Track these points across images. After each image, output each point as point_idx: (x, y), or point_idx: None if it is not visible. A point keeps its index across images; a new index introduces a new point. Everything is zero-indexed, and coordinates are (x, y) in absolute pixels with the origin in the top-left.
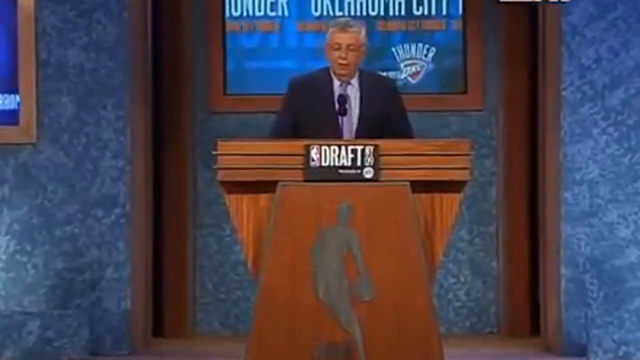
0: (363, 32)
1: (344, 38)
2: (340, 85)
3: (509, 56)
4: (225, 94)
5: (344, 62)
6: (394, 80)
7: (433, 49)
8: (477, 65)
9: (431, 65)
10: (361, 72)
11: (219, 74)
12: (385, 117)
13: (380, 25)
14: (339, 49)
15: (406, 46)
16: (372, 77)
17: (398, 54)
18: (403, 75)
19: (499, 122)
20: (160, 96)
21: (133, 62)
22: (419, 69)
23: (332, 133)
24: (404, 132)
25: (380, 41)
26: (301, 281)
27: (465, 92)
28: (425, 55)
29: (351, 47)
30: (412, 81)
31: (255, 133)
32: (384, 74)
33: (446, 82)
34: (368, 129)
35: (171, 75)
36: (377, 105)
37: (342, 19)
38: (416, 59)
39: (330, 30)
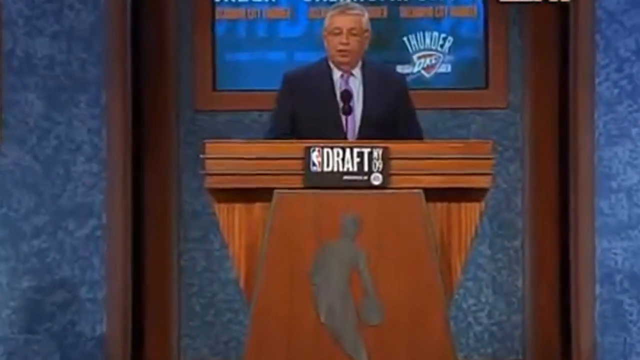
0: (366, 16)
1: (344, 22)
2: (342, 76)
3: (536, 47)
4: (214, 89)
5: (346, 47)
6: (403, 74)
7: (450, 38)
8: (500, 58)
9: (448, 57)
10: (364, 63)
11: (208, 67)
12: (392, 115)
13: (389, 12)
14: (340, 33)
15: (419, 36)
16: (378, 70)
17: (410, 44)
18: (416, 69)
19: (525, 121)
20: (141, 92)
21: (110, 53)
22: (434, 61)
23: (334, 133)
24: (411, 133)
25: (389, 30)
26: (300, 302)
27: (486, 87)
28: (442, 46)
29: (353, 32)
30: (427, 75)
31: (248, 134)
32: (393, 66)
33: (465, 77)
34: (371, 129)
35: (153, 68)
36: (382, 102)
37: (342, 2)
38: (431, 50)
39: (329, 14)
